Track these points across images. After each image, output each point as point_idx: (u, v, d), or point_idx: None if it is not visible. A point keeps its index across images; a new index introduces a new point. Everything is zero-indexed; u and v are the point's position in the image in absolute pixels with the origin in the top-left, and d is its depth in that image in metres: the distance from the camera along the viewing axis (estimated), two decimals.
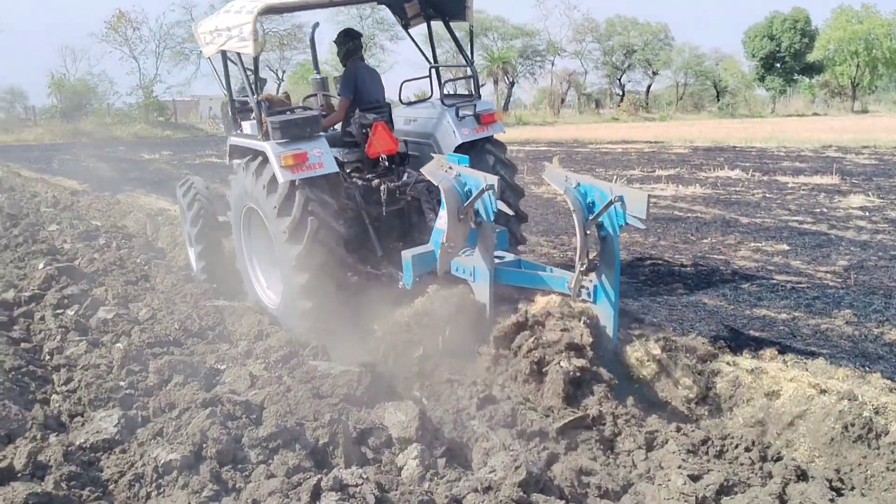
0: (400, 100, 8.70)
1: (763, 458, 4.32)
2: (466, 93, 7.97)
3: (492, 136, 7.52)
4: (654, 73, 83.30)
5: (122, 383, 5.01)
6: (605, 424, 4.42)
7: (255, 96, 6.74)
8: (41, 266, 8.40)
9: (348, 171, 7.41)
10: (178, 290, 7.55)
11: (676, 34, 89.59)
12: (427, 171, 6.35)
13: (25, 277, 8.39)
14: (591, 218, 5.35)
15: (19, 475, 3.74)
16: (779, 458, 4.31)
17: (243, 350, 5.76)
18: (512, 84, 74.65)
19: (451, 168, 6.14)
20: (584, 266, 5.33)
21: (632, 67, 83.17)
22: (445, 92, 7.96)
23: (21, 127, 54.00)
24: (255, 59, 6.82)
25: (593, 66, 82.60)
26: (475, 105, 7.41)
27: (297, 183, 6.32)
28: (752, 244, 10.24)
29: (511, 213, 6.65)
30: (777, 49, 70.45)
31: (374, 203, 7.21)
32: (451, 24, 7.67)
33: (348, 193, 7.21)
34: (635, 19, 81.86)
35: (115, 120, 55.49)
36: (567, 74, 79.58)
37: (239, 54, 6.92)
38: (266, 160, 6.51)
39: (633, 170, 20.73)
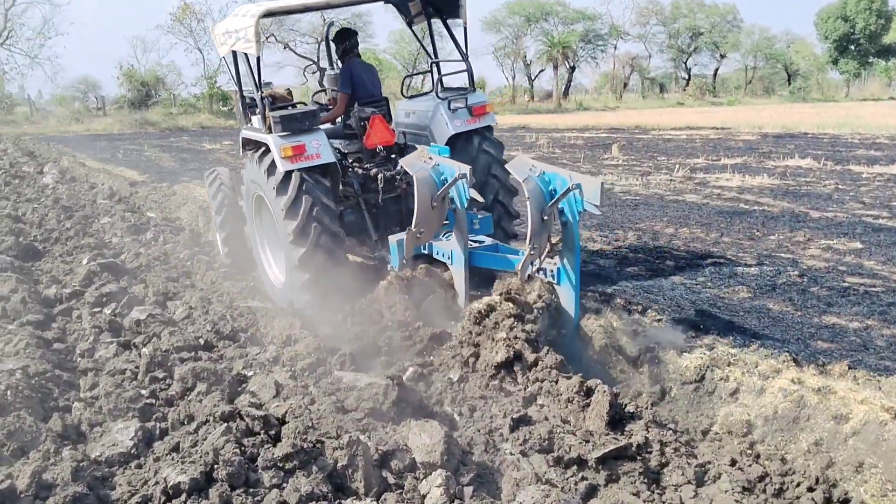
0: (402, 93, 9.13)
1: (828, 501, 3.88)
2: (464, 86, 8.26)
3: (489, 126, 7.87)
4: (722, 57, 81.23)
5: (143, 392, 4.83)
6: (650, 453, 4.04)
7: (259, 92, 7.31)
8: (84, 261, 8.35)
9: (350, 161, 7.88)
10: (216, 287, 7.40)
11: (745, 15, 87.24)
12: (406, 161, 6.71)
13: (71, 272, 8.35)
14: (550, 204, 5.59)
15: (21, 496, 3.55)
16: (846, 501, 3.87)
17: (271, 356, 5.54)
18: (572, 69, 73.51)
19: (430, 158, 6.50)
20: (534, 249, 5.58)
21: (698, 50, 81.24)
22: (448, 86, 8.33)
23: (91, 117, 55.32)
24: (258, 59, 7.25)
25: (658, 49, 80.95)
26: (467, 98, 7.78)
27: (296, 174, 6.83)
28: (823, 241, 9.64)
29: (481, 200, 6.98)
30: (851, 31, 67.85)
31: (371, 191, 7.65)
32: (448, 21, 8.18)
33: (348, 182, 7.68)
34: (702, 1, 79.74)
35: (181, 110, 56.41)
36: (630, 58, 78.14)
37: (245, 54, 7.43)
38: (269, 151, 7.03)
39: (697, 158, 20.01)
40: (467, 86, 8.19)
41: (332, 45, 8.62)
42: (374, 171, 7.65)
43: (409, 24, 8.69)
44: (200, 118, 51.84)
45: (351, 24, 69.49)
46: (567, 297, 5.84)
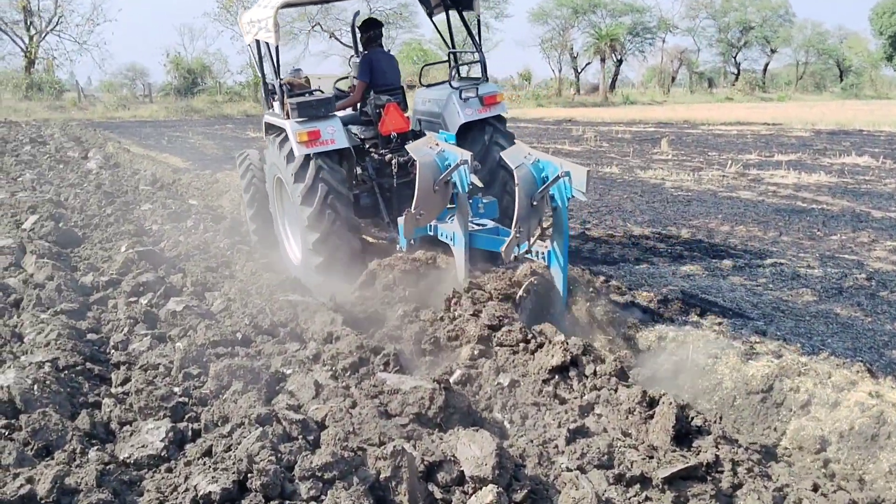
0: (420, 83, 9.53)
1: None
2: (478, 76, 8.47)
3: (500, 116, 8.07)
4: (773, 51, 79.74)
5: (176, 389, 4.57)
6: (721, 473, 3.68)
7: (277, 80, 7.72)
8: (123, 249, 8.18)
9: (366, 146, 8.25)
10: (256, 279, 7.15)
11: (798, 10, 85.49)
12: (412, 147, 6.91)
13: (109, 260, 8.19)
14: (540, 190, 5.85)
15: (42, 503, 3.32)
16: None
17: (312, 353, 5.26)
18: (620, 62, 72.53)
19: (437, 144, 6.81)
20: (519, 232, 5.77)
21: (748, 45, 79.81)
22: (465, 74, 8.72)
23: (137, 104, 55.86)
24: (276, 48, 7.59)
25: (707, 43, 79.69)
26: (477, 87, 8.01)
27: (311, 155, 7.18)
28: (889, 243, 9.14)
29: (481, 185, 7.27)
30: None
31: (386, 176, 8.01)
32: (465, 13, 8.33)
33: (363, 167, 8.10)
34: None
35: (226, 98, 56.70)
36: (678, 52, 76.98)
37: (267, 43, 7.76)
38: (289, 137, 7.34)
39: (750, 154, 19.42)
40: (481, 76, 8.37)
41: (358, 34, 8.98)
42: (389, 156, 7.97)
43: (430, 15, 8.94)
44: (245, 106, 52.02)
45: (397, 13, 69.74)
46: (557, 278, 6.14)
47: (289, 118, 7.36)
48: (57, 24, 57.82)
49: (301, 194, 7.19)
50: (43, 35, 57.56)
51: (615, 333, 6.09)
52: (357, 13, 9.27)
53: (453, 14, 8.52)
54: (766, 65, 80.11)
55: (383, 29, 8.99)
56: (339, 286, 6.90)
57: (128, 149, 23.83)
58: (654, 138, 24.75)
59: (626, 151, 20.88)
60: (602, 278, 7.63)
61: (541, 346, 5.12)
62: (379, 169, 8.07)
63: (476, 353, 5.28)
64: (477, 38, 8.26)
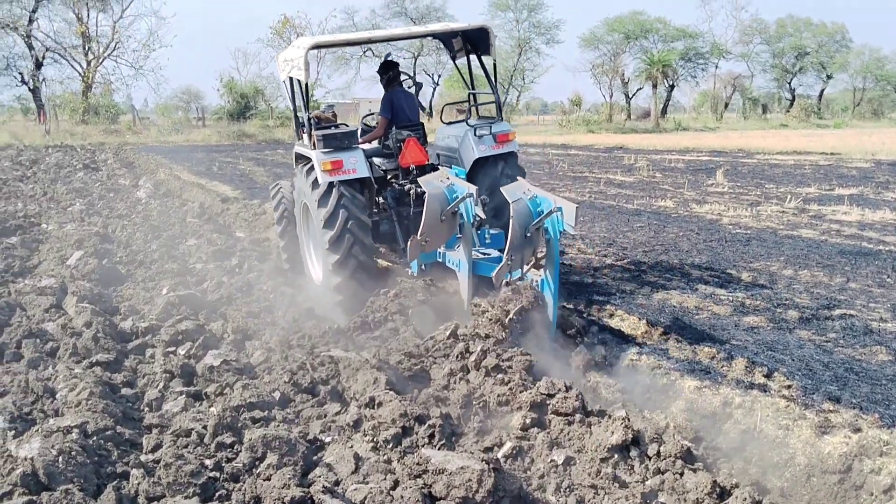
0: (441, 119, 10.06)
1: None
2: (493, 116, 9.07)
3: (512, 152, 8.65)
4: (829, 77, 78.28)
5: (207, 462, 4.31)
6: None
7: (306, 113, 8.32)
8: (164, 291, 8.01)
9: (388, 177, 8.85)
10: (297, 328, 6.90)
11: (855, 35, 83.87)
12: (423, 179, 7.43)
13: (150, 302, 8.02)
14: (534, 223, 6.35)
15: None
16: None
17: (352, 418, 4.96)
18: (672, 87, 71.75)
19: (447, 178, 7.36)
20: (511, 260, 6.24)
21: (803, 70, 78.50)
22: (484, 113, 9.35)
23: (190, 128, 56.75)
24: (306, 85, 8.29)
25: (761, 68, 78.59)
26: (491, 126, 8.59)
27: (334, 183, 7.76)
28: None
29: (483, 216, 7.41)
30: None
31: (404, 205, 8.59)
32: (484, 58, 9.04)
33: (384, 196, 8.76)
34: (809, 20, 77.12)
35: (277, 122, 57.23)
36: (732, 77, 75.94)
37: (298, 80, 8.38)
38: (314, 165, 7.99)
39: (809, 187, 18.78)
40: (495, 116, 8.98)
41: (378, 76, 9.60)
42: (408, 187, 8.50)
43: (453, 59, 9.59)
44: None
45: (439, 47, 70.03)
46: (548, 303, 6.62)
47: (315, 149, 8.03)
48: (114, 49, 59.16)
49: (324, 218, 7.73)
50: (101, 60, 58.92)
51: (677, 401, 5.68)
52: (388, 54, 9.81)
53: (473, 58, 9.16)
54: (822, 91, 78.69)
55: (399, 68, 9.65)
56: (355, 305, 7.61)
57: (178, 176, 24.00)
58: (709, 168, 24.16)
59: (680, 183, 20.36)
60: (661, 329, 7.23)
61: (599, 415, 4.77)
62: (398, 198, 8.69)
63: (528, 421, 4.93)
64: (493, 80, 8.84)
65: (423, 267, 7.87)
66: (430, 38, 9.81)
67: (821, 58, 75.40)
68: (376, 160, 8.92)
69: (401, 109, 9.25)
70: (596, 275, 9.81)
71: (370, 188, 8.39)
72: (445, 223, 7.10)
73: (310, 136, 8.22)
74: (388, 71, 9.43)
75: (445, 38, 9.40)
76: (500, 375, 5.52)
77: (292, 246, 9.57)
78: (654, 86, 66.67)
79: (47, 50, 57.88)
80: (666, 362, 6.45)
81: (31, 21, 56.69)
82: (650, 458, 4.33)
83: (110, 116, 56.78)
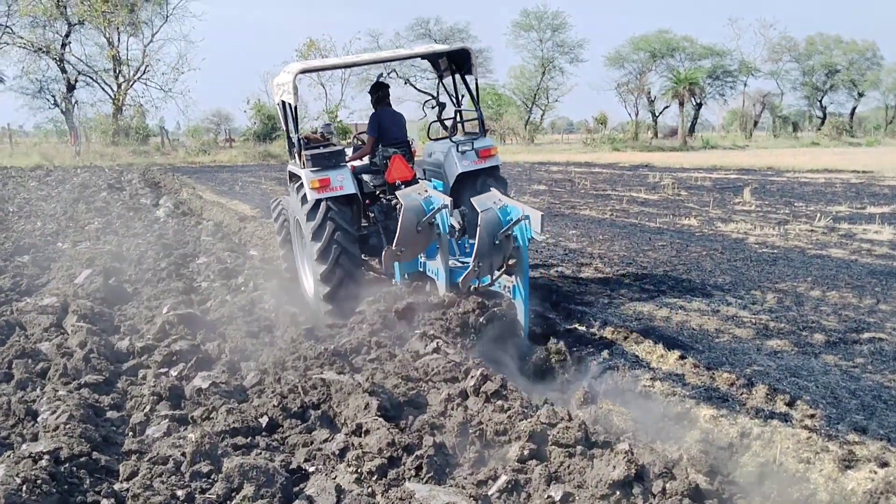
0: (428, 136, 10.42)
1: None
2: (477, 132, 9.54)
3: (495, 166, 9.12)
4: (860, 95, 77.29)
5: (179, 493, 4.04)
6: None
7: (296, 135, 8.83)
8: (164, 311, 7.80)
9: (377, 192, 9.28)
10: (294, 349, 6.63)
11: (886, 52, 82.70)
12: (401, 193, 7.87)
13: (151, 321, 7.82)
14: (502, 231, 6.65)
15: None
16: None
17: (339, 446, 4.67)
18: (699, 106, 71.12)
19: (426, 191, 7.79)
20: (478, 267, 6.61)
21: (834, 88, 77.59)
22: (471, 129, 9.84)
23: (217, 149, 57.16)
24: (295, 108, 8.80)
25: (790, 86, 77.77)
26: (473, 142, 9.03)
27: (322, 200, 8.26)
28: None
29: (458, 227, 7.82)
30: None
31: (391, 219, 8.74)
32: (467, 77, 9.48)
33: (372, 210, 9.17)
34: (839, 37, 76.25)
35: None
36: (761, 95, 75.18)
37: (288, 103, 8.87)
38: (303, 183, 8.46)
39: (839, 205, 18.26)
40: (478, 131, 9.48)
41: (369, 96, 9.94)
42: (395, 201, 8.57)
43: (440, 78, 9.97)
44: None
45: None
46: (519, 309, 7.02)
47: (304, 168, 8.50)
48: (144, 72, 59.83)
49: (312, 230, 8.25)
50: (131, 83, 59.59)
51: (692, 431, 5.33)
52: (381, 74, 10.27)
53: (470, 77, 9.41)
54: (854, 108, 77.67)
55: (390, 89, 10.03)
56: (345, 314, 7.92)
57: (200, 195, 23.98)
58: (736, 186, 23.67)
59: (706, 201, 19.91)
60: (678, 353, 6.88)
61: (604, 447, 4.45)
62: (386, 212, 9.02)
63: (526, 452, 4.60)
64: (475, 98, 9.40)
65: (405, 276, 8.37)
66: (422, 58, 10.44)
67: (852, 75, 74.45)
68: (365, 177, 9.37)
69: (387, 128, 9.65)
70: (612, 295, 9.46)
71: (358, 203, 8.95)
72: (422, 233, 7.52)
73: (299, 155, 8.70)
74: (378, 91, 9.83)
75: (432, 59, 9.99)
76: (499, 402, 5.21)
77: (290, 256, 10.05)
78: (681, 104, 66.10)
79: (79, 73, 58.71)
80: (681, 389, 6.09)
81: (63, 45, 57.58)
82: (654, 496, 3.99)
83: (140, 138, 57.35)
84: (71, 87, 58.05)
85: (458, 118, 9.78)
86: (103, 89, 59.76)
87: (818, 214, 16.20)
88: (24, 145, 58.94)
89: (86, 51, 60.97)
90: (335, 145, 9.39)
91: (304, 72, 8.90)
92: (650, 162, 38.56)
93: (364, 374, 5.77)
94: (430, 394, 5.69)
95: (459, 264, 7.81)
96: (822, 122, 74.01)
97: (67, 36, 57.66)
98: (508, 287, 7.08)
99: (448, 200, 7.39)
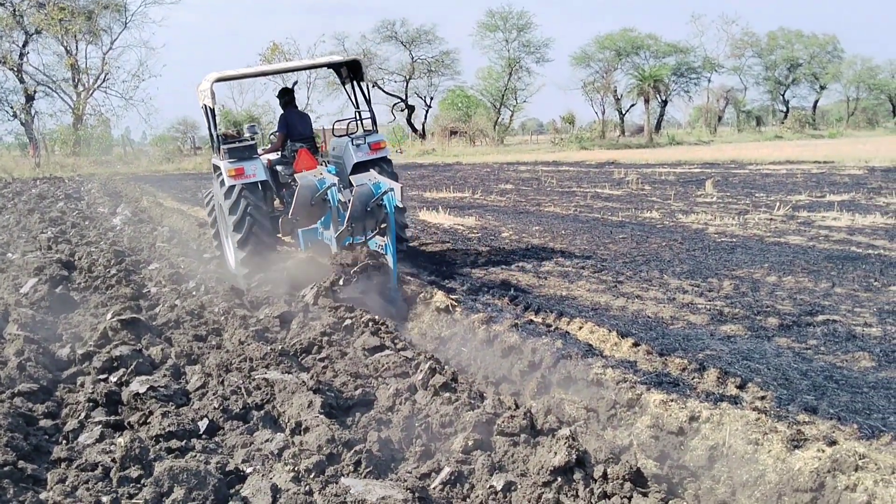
0: (333, 133, 11.99)
1: None
2: (371, 129, 11.30)
3: (385, 157, 10.70)
4: (822, 88, 78.33)
5: (104, 499, 3.87)
6: None
7: (216, 132, 10.65)
8: (109, 316, 7.59)
9: (289, 181, 10.84)
10: (243, 350, 6.46)
11: (846, 46, 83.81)
12: (300, 175, 9.76)
13: (96, 328, 7.60)
14: (373, 200, 8.39)
15: None
16: None
17: (278, 446, 4.53)
18: (664, 103, 71.67)
19: (321, 174, 9.65)
20: (350, 227, 8.61)
21: (796, 82, 78.56)
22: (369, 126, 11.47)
23: (182, 157, 56.54)
24: (213, 110, 10.66)
25: (753, 81, 78.65)
26: (365, 137, 10.72)
27: (237, 185, 9.86)
28: None
29: (345, 200, 9.00)
30: None
31: None
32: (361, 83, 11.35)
33: (283, 196, 10.99)
34: (800, 31, 77.27)
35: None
36: (724, 91, 75.90)
37: (209, 107, 10.55)
38: (222, 172, 10.10)
39: (800, 194, 18.42)
40: (371, 128, 11.29)
41: (278, 99, 11.91)
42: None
43: (342, 84, 11.73)
44: None
45: (440, 61, 70.19)
46: (389, 262, 8.57)
47: (223, 159, 10.10)
48: (104, 80, 58.97)
49: (228, 208, 9.87)
50: (90, 92, 58.73)
51: (643, 417, 5.25)
52: (295, 82, 12.78)
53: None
54: (816, 102, 78.69)
55: (294, 94, 12.05)
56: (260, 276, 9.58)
57: (161, 202, 23.63)
58: (699, 180, 23.80)
59: (669, 194, 19.98)
60: (631, 341, 6.81)
61: (549, 434, 4.35)
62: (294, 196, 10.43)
63: (471, 443, 4.49)
64: (367, 100, 11.24)
65: (309, 245, 10.07)
66: (328, 67, 12.39)
67: (813, 69, 75.42)
68: (278, 167, 11.14)
69: (294, 126, 11.49)
70: (571, 287, 9.39)
71: (271, 189, 10.89)
72: (316, 207, 9.42)
73: (219, 150, 10.41)
74: (285, 96, 11.75)
75: (334, 68, 11.78)
76: (447, 394, 5.10)
77: (219, 238, 11.84)
78: (647, 101, 66.56)
79: (38, 84, 57.72)
80: (633, 375, 6.00)
81: (21, 55, 56.63)
82: (595, 481, 3.89)
83: (102, 148, 56.55)
84: (30, 98, 57.01)
85: (357, 118, 11.49)
86: (63, 99, 58.90)
87: (778, 204, 16.30)
88: None
89: (44, 60, 59.91)
90: (249, 140, 10.92)
91: (219, 80, 10.52)
92: (617, 159, 38.72)
93: (310, 373, 5.63)
94: (379, 389, 5.57)
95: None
96: (786, 116, 74.87)
97: (25, 45, 56.67)
98: (382, 245, 8.67)
99: (336, 180, 9.33)
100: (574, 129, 70.41)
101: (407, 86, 70.91)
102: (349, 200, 8.65)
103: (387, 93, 70.44)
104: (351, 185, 8.91)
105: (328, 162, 11.19)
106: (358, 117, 11.49)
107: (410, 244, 12.23)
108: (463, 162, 46.83)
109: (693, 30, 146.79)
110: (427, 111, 74.35)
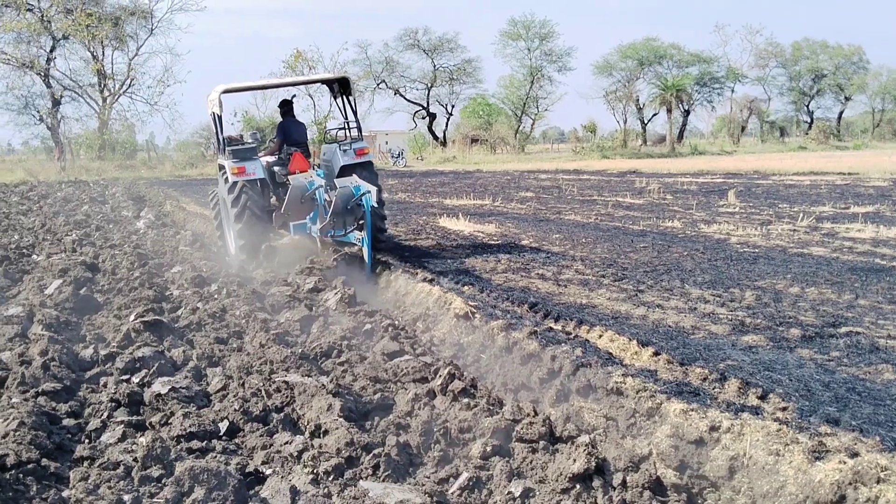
0: (325, 139, 13.60)
1: None
2: (356, 137, 12.77)
3: (370, 162, 12.21)
4: (847, 99, 77.68)
5: (126, 497, 3.91)
6: None
7: (222, 136, 12.21)
8: (131, 318, 7.66)
9: (285, 180, 11.88)
10: (262, 354, 6.50)
11: (872, 56, 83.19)
12: (293, 177, 11.13)
13: (118, 329, 7.67)
14: (353, 200, 10.05)
15: None
16: None
17: (298, 448, 4.55)
18: (687, 112, 71.37)
19: (311, 176, 11.08)
20: (332, 222, 10.31)
21: (821, 93, 77.96)
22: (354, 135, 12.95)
23: (205, 162, 56.96)
24: (220, 118, 12.13)
25: (778, 92, 78.19)
26: (351, 144, 12.21)
27: (239, 182, 11.36)
28: None
29: (330, 201, 10.38)
30: None
31: None
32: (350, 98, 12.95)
33: (279, 193, 12.21)
34: (825, 42, 76.70)
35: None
36: (748, 101, 75.48)
37: (217, 115, 12.09)
38: (226, 170, 11.68)
39: (824, 205, 18.25)
40: (357, 136, 12.72)
41: (279, 109, 13.62)
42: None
43: (334, 98, 13.30)
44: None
45: (462, 69, 70.45)
46: (365, 252, 10.22)
47: (227, 159, 11.65)
48: (130, 86, 59.59)
49: (230, 201, 11.38)
50: (116, 97, 59.35)
51: (662, 426, 5.22)
52: (294, 95, 14.37)
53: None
54: (841, 113, 78.06)
55: (294, 104, 13.63)
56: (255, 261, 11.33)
57: (184, 207, 23.81)
58: (722, 190, 23.66)
59: (691, 204, 19.89)
60: (652, 350, 6.77)
61: (568, 441, 4.34)
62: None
63: (489, 449, 4.49)
64: (354, 112, 12.72)
65: (298, 237, 11.79)
66: (322, 83, 14.62)
67: (838, 80, 74.84)
68: (276, 168, 12.54)
69: (290, 133, 13.04)
70: (591, 296, 9.36)
71: (268, 187, 12.32)
72: (305, 204, 10.88)
73: (223, 151, 12.00)
74: (284, 107, 13.39)
75: (327, 84, 13.67)
76: (465, 400, 5.11)
77: (222, 231, 13.33)
78: (669, 111, 66.30)
79: (65, 89, 58.43)
80: (653, 384, 5.97)
81: (48, 60, 57.35)
82: (615, 489, 3.88)
83: (126, 152, 57.10)
84: (56, 103, 57.72)
85: (346, 127, 12.99)
86: (88, 104, 59.56)
87: (801, 215, 16.17)
88: (9, 162, 58.73)
89: (70, 65, 60.71)
90: (251, 143, 12.51)
91: (226, 91, 12.04)
92: (638, 168, 38.60)
93: (330, 377, 5.66)
94: (398, 394, 5.58)
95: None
96: (810, 127, 74.32)
97: (52, 51, 57.42)
98: (359, 238, 10.36)
99: (324, 182, 10.92)
100: (595, 137, 70.29)
101: (429, 94, 71.28)
102: (333, 200, 9.93)
103: (408, 100, 71.00)
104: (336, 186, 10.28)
105: (318, 165, 12.75)
106: (347, 127, 13.00)
107: (427, 249, 13.37)
108: (483, 170, 46.87)
109: (717, 39, 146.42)
110: (448, 119, 74.63)
